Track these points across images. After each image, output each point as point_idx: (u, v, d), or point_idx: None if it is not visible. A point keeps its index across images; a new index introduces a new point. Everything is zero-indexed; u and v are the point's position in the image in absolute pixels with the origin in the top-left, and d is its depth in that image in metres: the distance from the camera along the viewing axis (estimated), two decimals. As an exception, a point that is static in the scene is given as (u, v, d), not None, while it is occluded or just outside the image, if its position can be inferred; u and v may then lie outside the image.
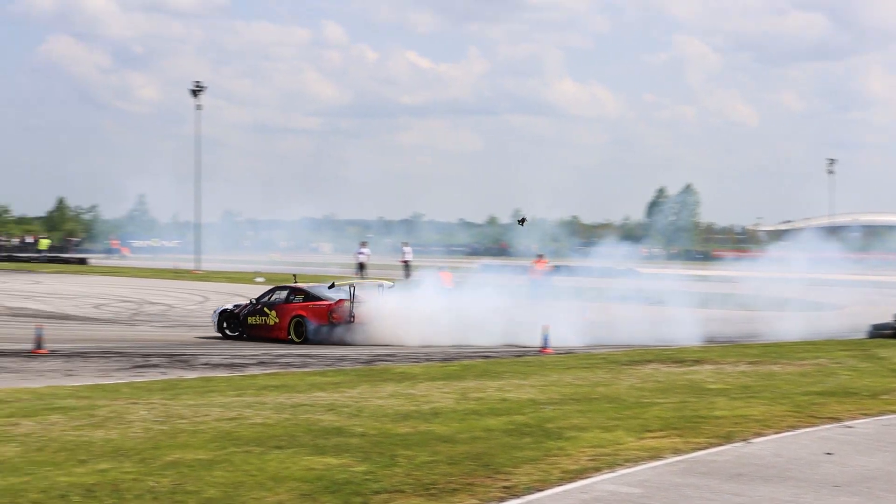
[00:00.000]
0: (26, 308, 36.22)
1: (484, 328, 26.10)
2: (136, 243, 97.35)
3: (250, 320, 27.47)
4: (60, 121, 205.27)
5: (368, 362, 21.29)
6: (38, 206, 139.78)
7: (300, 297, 27.13)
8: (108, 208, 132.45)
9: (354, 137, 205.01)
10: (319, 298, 26.76)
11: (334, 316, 26.01)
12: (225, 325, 27.83)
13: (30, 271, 63.97)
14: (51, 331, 24.44)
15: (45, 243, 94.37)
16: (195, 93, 68.28)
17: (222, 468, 10.17)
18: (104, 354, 22.11)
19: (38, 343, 22.36)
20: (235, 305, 28.37)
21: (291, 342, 26.13)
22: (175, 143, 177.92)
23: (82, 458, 10.55)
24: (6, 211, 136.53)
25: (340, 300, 26.25)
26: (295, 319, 26.54)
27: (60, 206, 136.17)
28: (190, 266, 62.92)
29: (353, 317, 25.87)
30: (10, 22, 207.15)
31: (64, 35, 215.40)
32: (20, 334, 25.52)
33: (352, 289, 26.56)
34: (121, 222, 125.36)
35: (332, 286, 27.21)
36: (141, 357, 21.68)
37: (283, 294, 27.52)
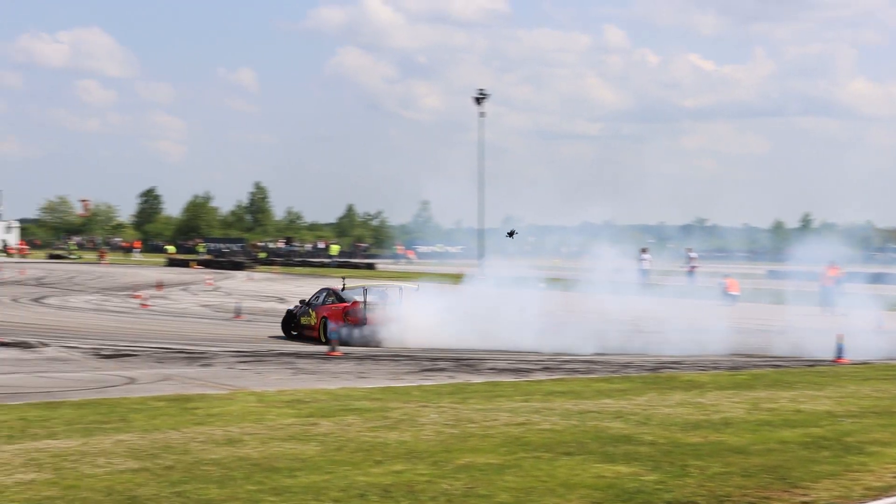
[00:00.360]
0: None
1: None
2: (422, 248, 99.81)
3: (301, 320, 28.22)
4: (349, 130, 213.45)
5: (654, 370, 21.00)
6: (328, 213, 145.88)
7: (332, 299, 27.67)
8: (394, 214, 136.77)
9: (636, 142, 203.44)
10: (343, 300, 27.17)
11: (349, 318, 26.34)
12: (291, 325, 28.63)
13: (322, 276, 66.69)
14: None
15: (335, 249, 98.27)
16: (478, 100, 69.31)
17: (513, 473, 10.23)
18: (394, 358, 22.73)
19: (333, 346, 23.22)
20: (295, 306, 29.08)
21: (320, 342, 26.39)
22: (458, 150, 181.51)
23: (378, 458, 10.85)
24: (299, 217, 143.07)
25: (355, 302, 26.69)
26: (323, 320, 27.00)
27: (349, 212, 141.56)
28: (473, 271, 63.83)
29: (366, 319, 26.14)
30: (303, 37, 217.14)
31: (352, 47, 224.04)
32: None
33: (364, 291, 27.08)
34: (406, 228, 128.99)
35: (343, 288, 27.94)
36: (428, 361, 22.17)
37: (323, 295, 28.17)
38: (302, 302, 28.71)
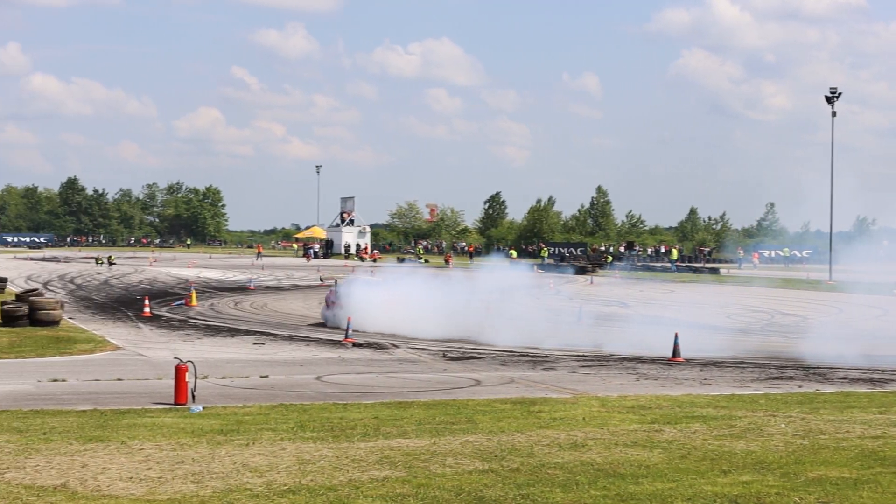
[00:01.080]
0: (662, 316, 37.33)
1: None
2: (766, 252, 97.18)
3: None
4: (692, 132, 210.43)
5: None
6: (670, 217, 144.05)
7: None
8: (738, 217, 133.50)
9: None
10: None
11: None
12: None
13: (663, 280, 66.03)
14: (686, 339, 24.96)
15: (675, 253, 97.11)
16: (830, 99, 66.64)
17: (869, 489, 9.73)
18: (738, 364, 22.19)
19: (675, 351, 22.94)
20: None
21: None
22: (806, 151, 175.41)
23: (725, 468, 10.61)
24: (640, 221, 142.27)
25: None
26: None
27: (692, 216, 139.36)
28: (822, 276, 61.51)
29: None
30: (647, 40, 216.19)
31: (697, 48, 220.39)
32: (657, 342, 26.30)
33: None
34: (750, 231, 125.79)
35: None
36: (775, 369, 21.50)
37: None
38: None
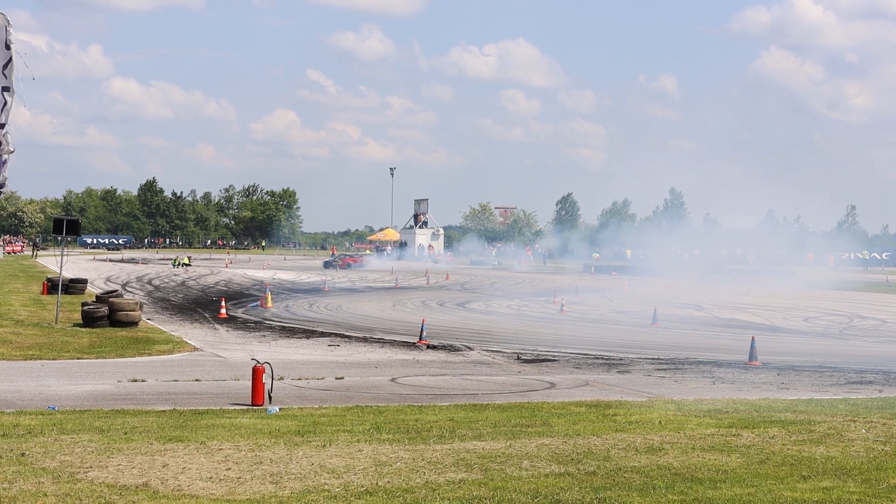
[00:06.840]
0: (737, 319, 36.98)
1: None
2: (844, 255, 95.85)
3: None
4: (771, 133, 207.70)
5: None
6: (747, 219, 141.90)
7: None
8: (815, 220, 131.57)
9: None
10: None
11: None
12: None
13: (739, 282, 65.29)
14: (762, 343, 24.70)
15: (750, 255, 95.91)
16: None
17: (953, 497, 9.55)
18: (817, 369, 21.89)
19: (752, 355, 22.70)
20: None
21: None
22: (889, 152, 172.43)
23: (804, 473, 10.47)
24: (715, 223, 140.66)
25: None
26: None
27: (769, 218, 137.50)
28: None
29: None
30: (726, 41, 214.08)
31: (778, 49, 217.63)
32: (733, 345, 26.08)
33: None
34: (828, 234, 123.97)
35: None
36: (855, 373, 21.19)
37: None
38: None
